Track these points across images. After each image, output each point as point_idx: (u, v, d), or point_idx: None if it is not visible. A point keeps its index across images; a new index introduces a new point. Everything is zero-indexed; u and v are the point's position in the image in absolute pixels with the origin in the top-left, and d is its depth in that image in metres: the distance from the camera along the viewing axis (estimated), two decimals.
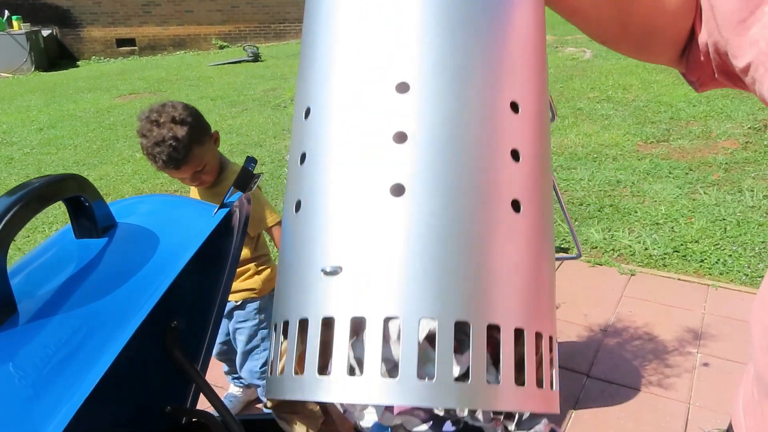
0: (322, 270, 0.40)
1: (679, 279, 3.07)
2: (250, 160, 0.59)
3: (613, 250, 3.39)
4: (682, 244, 3.39)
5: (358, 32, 0.39)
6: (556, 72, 7.57)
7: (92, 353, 0.41)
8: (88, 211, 0.53)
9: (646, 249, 3.37)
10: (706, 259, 3.23)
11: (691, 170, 4.37)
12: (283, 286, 0.42)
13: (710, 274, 3.10)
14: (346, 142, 0.40)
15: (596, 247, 3.43)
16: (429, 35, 0.39)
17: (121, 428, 0.83)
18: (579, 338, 2.64)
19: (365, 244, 0.38)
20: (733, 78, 0.59)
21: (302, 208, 0.41)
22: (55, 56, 11.64)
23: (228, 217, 0.67)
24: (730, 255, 3.24)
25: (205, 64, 10.60)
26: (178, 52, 12.43)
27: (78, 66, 11.67)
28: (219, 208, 0.61)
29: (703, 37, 0.59)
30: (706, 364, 2.42)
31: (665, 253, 3.31)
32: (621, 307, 2.86)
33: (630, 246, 3.41)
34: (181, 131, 1.66)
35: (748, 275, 3.04)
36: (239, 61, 10.37)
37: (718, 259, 3.21)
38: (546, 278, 0.44)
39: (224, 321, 1.98)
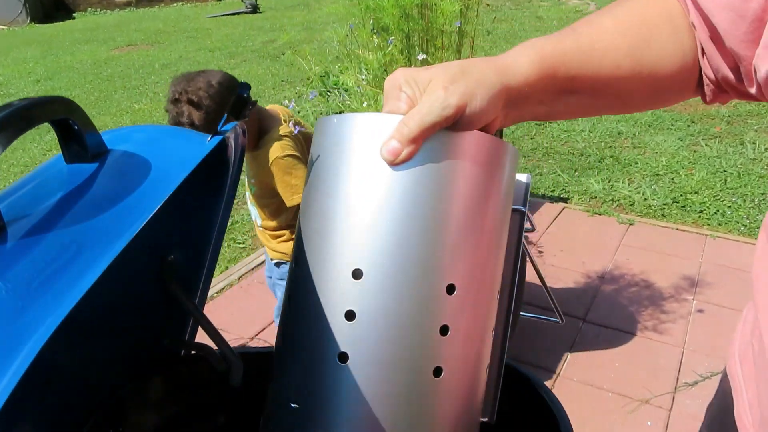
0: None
1: (677, 229, 3.08)
2: (244, 87, 0.59)
3: (612, 200, 3.40)
4: (681, 195, 3.39)
5: (324, 220, 0.49)
6: (560, 24, 7.41)
7: (81, 269, 0.42)
8: (77, 135, 0.53)
9: (645, 199, 3.37)
10: (705, 209, 3.23)
11: (693, 122, 4.33)
12: None
13: (708, 225, 3.11)
14: (305, 317, 0.50)
15: (596, 197, 3.43)
16: (381, 228, 0.47)
17: (119, 360, 0.85)
18: (576, 285, 2.67)
19: (313, 404, 0.49)
20: (745, 96, 0.59)
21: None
22: (50, 8, 11.41)
23: (222, 148, 0.67)
24: (729, 206, 3.24)
25: (202, 16, 10.39)
26: (175, 4, 12.16)
27: (74, 18, 11.44)
28: (212, 136, 0.61)
29: (709, 72, 0.59)
30: (701, 311, 2.45)
31: (664, 204, 3.31)
32: (619, 255, 2.88)
33: (629, 196, 3.41)
34: (196, 115, 1.59)
35: (746, 226, 3.05)
36: (237, 13, 10.16)
37: (717, 210, 3.21)
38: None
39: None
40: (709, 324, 2.38)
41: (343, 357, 0.48)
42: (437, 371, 0.49)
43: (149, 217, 0.46)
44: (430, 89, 0.49)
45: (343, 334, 0.48)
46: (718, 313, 2.44)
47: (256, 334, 2.43)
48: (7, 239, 0.43)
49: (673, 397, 2.05)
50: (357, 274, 0.47)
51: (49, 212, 0.47)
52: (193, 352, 0.92)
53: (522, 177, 0.66)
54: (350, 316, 0.48)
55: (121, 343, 0.85)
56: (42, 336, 0.36)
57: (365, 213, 0.47)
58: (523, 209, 0.65)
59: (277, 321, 2.32)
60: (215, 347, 0.87)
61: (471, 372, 0.53)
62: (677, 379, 2.13)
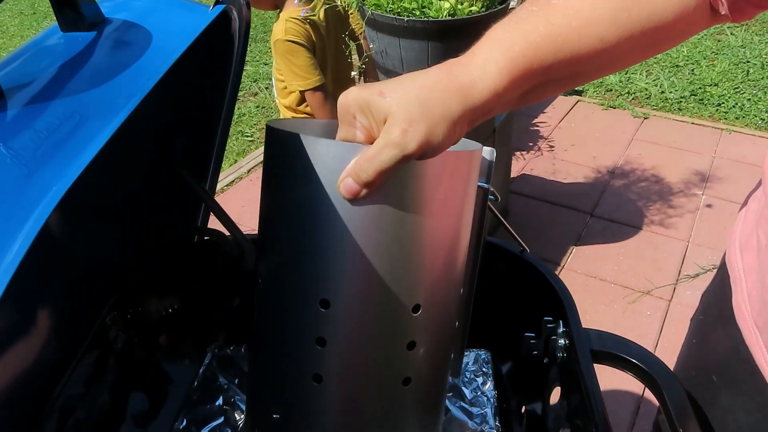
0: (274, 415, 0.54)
1: (693, 123, 3.01)
2: None
3: (628, 93, 3.30)
4: (700, 88, 3.28)
5: (289, 251, 0.49)
6: None
7: (85, 139, 0.40)
8: (71, 1, 0.49)
9: (662, 92, 3.27)
10: (723, 102, 3.14)
11: None
12: None
13: (726, 119, 3.03)
14: (279, 343, 0.52)
15: (611, 90, 3.33)
16: (346, 258, 0.47)
17: (131, 246, 0.86)
18: (585, 179, 2.65)
19: (292, 418, 0.53)
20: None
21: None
22: None
23: (226, 22, 0.63)
24: (749, 99, 3.14)
25: None
26: None
27: None
28: (214, 5, 0.57)
29: None
30: (709, 206, 2.45)
31: (682, 97, 3.21)
32: (631, 149, 2.84)
33: (646, 89, 3.30)
34: None
35: (764, 119, 2.98)
36: None
37: (736, 103, 3.12)
38: None
39: None
40: (716, 219, 2.38)
41: (318, 378, 0.51)
42: (406, 381, 0.53)
43: (151, 88, 0.44)
44: (387, 128, 0.46)
45: (317, 358, 0.50)
46: (727, 207, 2.43)
47: None
48: (7, 107, 0.41)
49: (674, 289, 2.09)
50: (325, 304, 0.49)
51: (49, 82, 0.45)
52: (206, 237, 0.93)
53: (486, 152, 0.62)
54: (321, 342, 0.50)
55: (135, 227, 0.85)
56: (48, 204, 0.35)
57: (329, 243, 0.47)
58: (486, 186, 0.62)
59: None
60: (228, 234, 0.87)
61: (436, 375, 0.57)
62: (679, 272, 2.16)
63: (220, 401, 0.88)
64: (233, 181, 2.78)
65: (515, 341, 0.87)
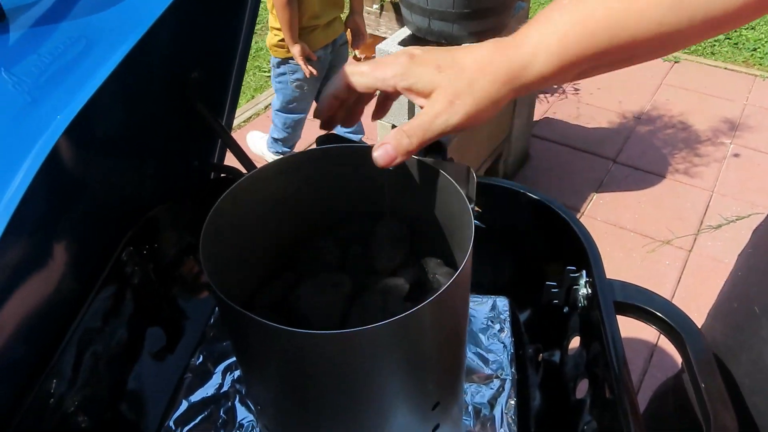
0: None
1: (725, 68, 2.89)
2: None
3: None
4: (735, 31, 3.13)
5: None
6: None
7: (93, 64, 0.38)
8: None
9: None
10: (759, 47, 3.00)
11: None
12: None
13: (760, 64, 2.91)
14: None
15: None
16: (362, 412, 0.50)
17: (147, 182, 0.84)
18: (610, 124, 2.58)
19: None
20: None
21: None
22: None
23: None
24: None
25: None
26: None
27: None
28: None
29: None
30: (736, 155, 2.38)
31: (715, 40, 3.08)
32: (659, 95, 2.74)
33: None
34: None
35: None
36: None
37: None
38: None
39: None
40: (743, 168, 2.32)
41: None
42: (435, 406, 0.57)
43: (163, 13, 0.41)
44: (433, 100, 0.48)
45: None
46: (755, 157, 2.36)
47: None
48: (9, 30, 0.38)
49: (695, 239, 2.06)
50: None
51: (54, 3, 0.41)
52: (222, 174, 0.91)
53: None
54: None
55: (151, 162, 0.83)
56: (53, 134, 0.33)
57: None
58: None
59: (267, 153, 2.43)
60: (244, 171, 0.85)
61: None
62: (701, 222, 2.12)
63: None
64: (250, 117, 2.75)
65: (535, 289, 0.85)
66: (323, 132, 0.63)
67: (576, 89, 2.79)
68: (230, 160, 0.90)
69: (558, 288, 0.77)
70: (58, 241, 0.66)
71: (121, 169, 0.78)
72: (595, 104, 2.69)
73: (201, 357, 0.86)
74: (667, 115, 2.62)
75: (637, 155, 2.41)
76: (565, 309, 0.78)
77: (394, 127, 1.86)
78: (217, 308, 0.93)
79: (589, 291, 0.72)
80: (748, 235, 0.88)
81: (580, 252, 0.75)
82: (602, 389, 0.64)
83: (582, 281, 0.74)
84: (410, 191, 0.62)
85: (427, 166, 0.58)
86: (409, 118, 1.82)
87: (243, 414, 0.79)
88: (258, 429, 0.76)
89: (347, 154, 0.60)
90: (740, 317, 0.75)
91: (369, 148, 0.59)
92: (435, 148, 0.61)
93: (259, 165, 0.85)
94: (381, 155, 0.49)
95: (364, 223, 0.66)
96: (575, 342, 0.75)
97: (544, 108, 2.67)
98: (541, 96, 2.73)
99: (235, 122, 2.62)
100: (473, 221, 0.52)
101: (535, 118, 2.55)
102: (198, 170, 0.86)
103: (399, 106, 1.75)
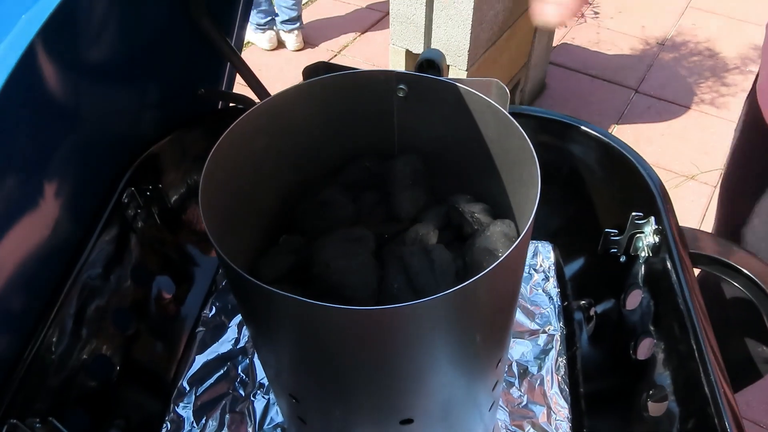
0: None
1: None
2: None
3: None
4: None
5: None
6: None
7: None
8: None
9: None
10: None
11: None
12: None
13: None
14: None
15: None
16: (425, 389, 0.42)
17: (147, 112, 0.73)
18: (632, 51, 2.42)
19: None
20: None
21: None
22: None
23: None
24: None
25: None
26: None
27: None
28: None
29: None
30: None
31: None
32: (684, 19, 2.57)
33: None
34: None
35: None
36: None
37: None
38: None
39: None
40: None
41: None
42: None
43: None
44: None
45: None
46: None
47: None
48: None
49: (721, 174, 1.96)
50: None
51: None
52: (231, 104, 0.80)
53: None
54: None
55: (150, 89, 0.72)
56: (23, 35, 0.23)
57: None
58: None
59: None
60: (255, 99, 0.74)
61: None
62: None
63: None
64: None
65: (584, 236, 0.77)
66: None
67: (596, 12, 2.62)
68: (240, 86, 0.78)
69: (619, 236, 0.69)
70: (50, 178, 0.58)
71: (116, 96, 0.67)
72: (616, 29, 2.53)
73: (213, 309, 0.78)
74: (692, 41, 2.46)
75: (660, 84, 2.27)
76: (622, 258, 0.70)
77: (408, 51, 1.72)
78: None
79: (657, 240, 0.63)
80: None
81: (648, 197, 0.66)
82: (676, 353, 0.57)
83: (648, 229, 0.65)
84: (425, 120, 0.52)
85: (447, 84, 0.47)
86: (425, 42, 1.68)
87: (262, 372, 0.72)
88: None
89: (349, 84, 0.49)
90: None
91: (374, 74, 0.48)
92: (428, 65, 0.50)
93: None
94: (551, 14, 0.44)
95: (374, 163, 0.56)
96: (635, 297, 0.67)
97: (561, 33, 2.50)
98: None
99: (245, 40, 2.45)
100: (531, 147, 0.41)
101: (553, 44, 2.39)
102: (204, 99, 0.74)
103: (415, 29, 1.61)
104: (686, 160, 2.00)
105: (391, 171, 0.53)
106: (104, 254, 0.65)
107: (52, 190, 0.59)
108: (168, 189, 0.74)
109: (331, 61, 0.57)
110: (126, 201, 0.68)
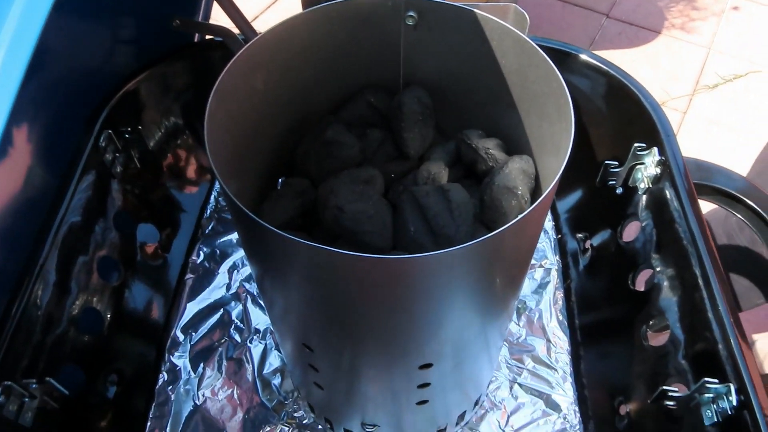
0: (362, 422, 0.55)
1: None
2: None
3: None
4: None
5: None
6: None
7: None
8: None
9: None
10: None
11: None
12: None
13: None
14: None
15: None
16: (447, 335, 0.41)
17: (122, 44, 0.67)
18: None
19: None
20: None
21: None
22: None
23: None
24: None
25: None
26: None
27: None
28: None
29: None
30: (736, 8, 2.24)
31: None
32: None
33: None
34: None
35: None
36: None
37: None
38: None
39: None
40: (743, 23, 2.19)
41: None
42: (421, 402, 0.51)
43: None
44: None
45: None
46: (755, 11, 2.23)
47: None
48: None
49: (690, 100, 1.97)
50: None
51: None
52: (208, 36, 0.74)
53: None
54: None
55: (125, 22, 0.66)
56: None
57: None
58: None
59: None
60: (235, 30, 0.69)
61: (459, 388, 0.54)
62: (697, 81, 2.02)
63: None
64: None
65: (579, 170, 0.75)
66: None
67: None
68: (217, 15, 0.72)
69: (618, 167, 0.68)
70: (18, 124, 0.52)
71: (85, 29, 0.61)
72: None
73: (201, 255, 0.75)
74: None
75: (631, 9, 2.24)
76: (619, 191, 0.69)
77: None
78: (215, 197, 0.80)
79: (658, 171, 0.63)
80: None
81: (650, 127, 0.65)
82: (681, 281, 0.57)
83: (650, 159, 0.64)
84: (435, 51, 0.48)
85: (462, 11, 0.43)
86: None
87: (258, 317, 0.70)
88: (277, 337, 0.67)
89: (352, 12, 0.45)
90: None
91: (381, 0, 0.44)
92: None
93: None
94: None
95: (378, 98, 0.52)
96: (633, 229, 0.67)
97: None
98: None
99: None
100: (560, 76, 0.39)
101: None
102: (180, 31, 0.68)
103: None
104: (657, 86, 1.99)
105: (397, 107, 0.50)
106: (84, 203, 0.61)
107: (22, 136, 0.54)
108: (148, 130, 0.69)
109: None
110: (103, 145, 0.64)
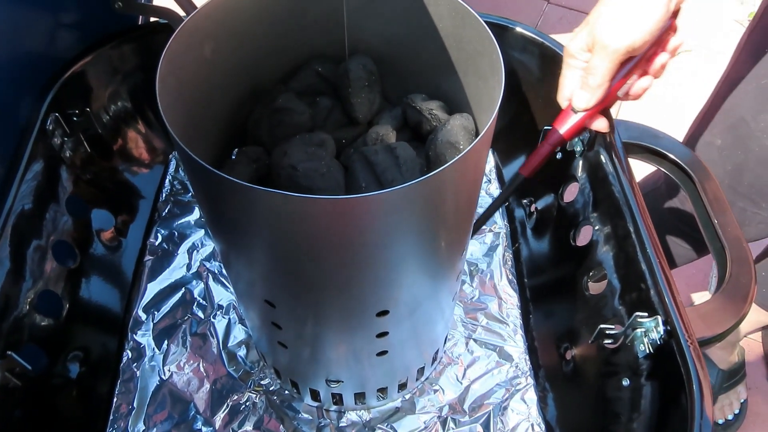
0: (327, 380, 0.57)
1: None
2: None
3: None
4: None
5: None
6: None
7: None
8: None
9: None
10: None
11: None
12: None
13: None
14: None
15: None
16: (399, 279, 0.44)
17: (65, 27, 0.67)
18: None
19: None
20: None
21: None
22: None
23: None
24: None
25: None
26: None
27: None
28: None
29: None
30: None
31: None
32: None
33: None
34: None
35: None
36: None
37: None
38: None
39: None
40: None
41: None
42: (381, 353, 0.53)
43: None
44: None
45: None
46: None
47: None
48: None
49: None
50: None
51: None
52: (153, 19, 0.74)
53: None
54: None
55: (65, 6, 0.66)
56: None
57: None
58: None
59: None
60: (180, 11, 0.70)
61: (416, 339, 0.56)
62: None
63: (195, 214, 0.78)
64: None
65: (522, 139, 0.79)
66: None
67: None
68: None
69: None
70: None
71: (25, 11, 0.61)
72: None
73: (159, 237, 0.76)
74: None
75: None
76: (559, 155, 0.73)
77: None
78: (170, 180, 0.81)
79: (591, 133, 0.67)
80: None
81: None
82: (615, 233, 0.61)
83: None
84: (376, 19, 0.51)
85: None
86: None
87: (220, 294, 0.71)
88: (240, 309, 0.69)
89: None
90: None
91: None
92: None
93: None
94: (580, 102, 0.53)
95: (326, 67, 0.55)
96: (572, 191, 0.71)
97: None
98: None
99: None
100: (490, 34, 0.42)
101: None
102: (123, 13, 0.69)
103: None
104: None
105: (344, 74, 0.52)
106: (34, 189, 0.61)
107: None
108: (96, 114, 0.70)
109: None
110: (51, 128, 0.64)
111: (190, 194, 0.80)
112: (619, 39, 0.47)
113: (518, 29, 0.74)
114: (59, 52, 0.67)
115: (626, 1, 0.48)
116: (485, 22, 0.72)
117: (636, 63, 0.52)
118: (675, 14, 0.53)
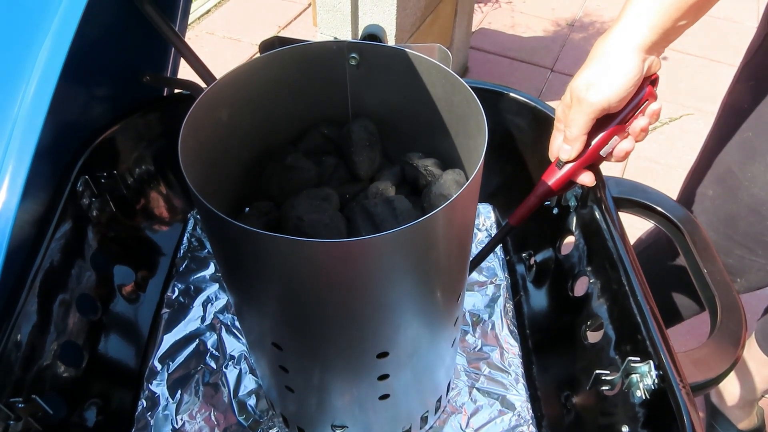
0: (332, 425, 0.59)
1: None
2: None
3: None
4: None
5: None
6: None
7: None
8: None
9: None
10: None
11: None
12: None
13: None
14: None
15: None
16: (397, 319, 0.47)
17: (97, 98, 0.74)
18: (545, 33, 2.56)
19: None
20: None
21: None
22: None
23: None
24: None
25: None
26: None
27: None
28: None
29: None
30: (665, 58, 2.44)
31: None
32: (589, 1, 2.74)
33: None
34: None
35: None
36: None
37: None
38: None
39: None
40: (672, 71, 2.38)
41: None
42: (384, 397, 0.56)
43: None
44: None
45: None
46: (683, 60, 2.43)
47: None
48: None
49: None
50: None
51: None
52: (177, 90, 0.81)
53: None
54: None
55: (100, 78, 0.73)
56: None
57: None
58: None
59: None
60: (202, 83, 0.76)
61: (417, 384, 0.58)
62: None
63: (211, 269, 0.82)
64: (209, 10, 2.53)
65: (520, 195, 0.83)
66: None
67: None
68: (185, 71, 0.80)
69: None
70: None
71: (62, 85, 0.67)
72: (528, 12, 2.66)
73: (176, 290, 0.80)
74: (599, 21, 2.63)
75: (573, 63, 2.42)
76: (555, 211, 0.77)
77: (335, 38, 1.76)
78: (188, 238, 0.86)
79: (583, 189, 0.71)
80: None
81: None
82: (608, 284, 0.64)
83: None
84: (376, 86, 0.57)
85: (396, 50, 0.52)
86: (352, 29, 1.72)
87: (232, 345, 0.74)
88: (252, 359, 0.72)
89: (303, 55, 0.54)
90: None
91: (327, 45, 0.52)
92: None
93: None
94: (564, 154, 0.59)
95: (331, 130, 0.60)
96: (569, 244, 0.75)
97: (479, 19, 2.60)
98: (476, 6, 2.66)
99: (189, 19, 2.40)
100: (476, 98, 0.47)
101: (472, 28, 2.49)
102: (150, 85, 0.76)
103: (342, 17, 1.65)
104: None
105: (347, 135, 0.57)
106: (62, 247, 0.65)
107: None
108: (122, 176, 0.75)
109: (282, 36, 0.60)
110: (80, 189, 0.69)
111: (206, 250, 0.84)
112: (594, 95, 0.52)
113: (512, 94, 0.79)
114: (92, 120, 0.73)
115: (603, 64, 0.54)
116: (483, 89, 0.79)
117: (616, 124, 0.57)
118: (653, 82, 0.58)
